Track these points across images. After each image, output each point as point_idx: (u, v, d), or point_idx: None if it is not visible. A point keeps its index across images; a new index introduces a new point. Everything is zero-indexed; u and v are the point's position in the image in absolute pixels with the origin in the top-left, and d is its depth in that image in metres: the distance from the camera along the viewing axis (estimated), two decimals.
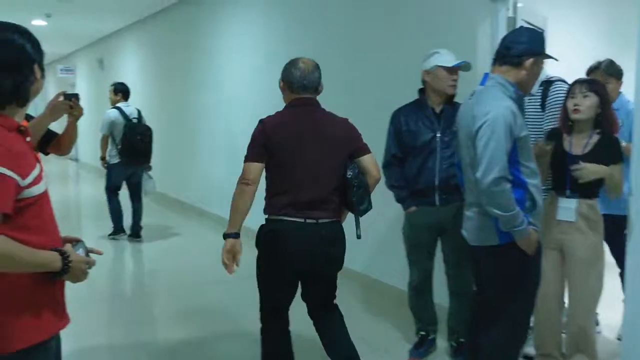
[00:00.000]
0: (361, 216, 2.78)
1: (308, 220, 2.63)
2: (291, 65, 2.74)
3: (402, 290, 3.94)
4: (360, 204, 2.71)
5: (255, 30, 6.47)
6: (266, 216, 2.71)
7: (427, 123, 3.25)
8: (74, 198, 10.97)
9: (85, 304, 4.29)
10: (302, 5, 5.56)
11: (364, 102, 4.70)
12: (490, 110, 2.41)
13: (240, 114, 6.79)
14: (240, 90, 6.80)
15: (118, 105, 6.50)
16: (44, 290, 1.70)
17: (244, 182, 2.63)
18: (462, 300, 3.32)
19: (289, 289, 2.78)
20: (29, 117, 3.43)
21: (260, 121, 2.72)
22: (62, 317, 1.80)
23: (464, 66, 3.20)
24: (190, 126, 8.38)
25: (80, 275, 1.75)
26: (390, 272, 4.51)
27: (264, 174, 2.69)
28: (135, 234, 6.60)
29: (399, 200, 3.37)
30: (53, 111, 2.58)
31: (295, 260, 2.66)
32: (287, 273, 2.71)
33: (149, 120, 6.76)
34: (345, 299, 4.36)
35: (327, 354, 2.85)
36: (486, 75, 2.65)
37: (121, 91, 6.63)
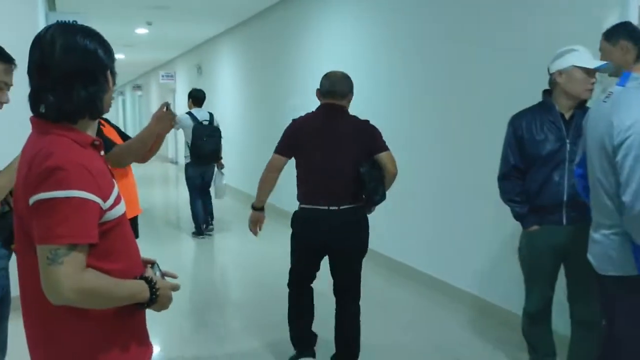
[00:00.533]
0: (376, 205, 3.25)
1: (331, 208, 3.12)
2: (324, 77, 3.29)
3: (514, 314, 3.58)
4: (375, 195, 3.14)
5: (350, 34, 6.24)
6: (299, 204, 3.28)
7: (554, 130, 2.85)
8: (175, 200, 11.25)
9: (166, 315, 4.23)
10: (403, 2, 5.27)
11: (473, 103, 4.35)
12: (637, 119, 2.02)
13: None
14: None
15: (190, 110, 7.08)
16: (129, 322, 1.55)
17: (269, 170, 3.32)
18: (588, 331, 2.89)
19: (313, 261, 3.33)
20: (122, 134, 3.41)
21: (293, 120, 3.30)
22: (147, 346, 1.66)
23: (606, 69, 2.74)
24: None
25: (166, 303, 1.60)
26: (501, 293, 4.12)
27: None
28: (206, 226, 7.30)
29: (517, 217, 2.98)
30: (159, 122, 2.57)
31: (320, 238, 3.19)
32: (312, 249, 3.26)
33: (243, 123, 6.80)
34: (452, 320, 4.14)
35: (334, 331, 3.35)
36: (627, 74, 2.25)
37: (192, 97, 7.20)
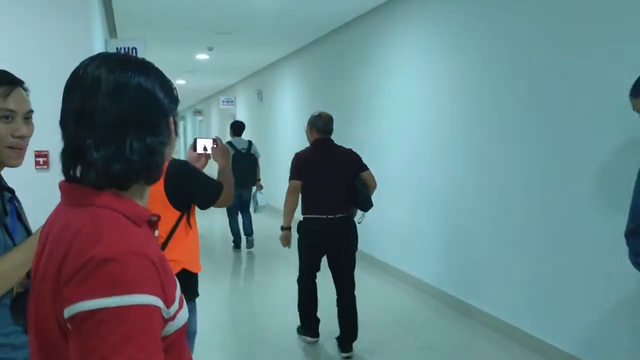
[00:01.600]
0: (366, 211, 4.30)
1: (329, 216, 4.11)
2: (316, 117, 4.29)
3: None
4: (367, 204, 4.19)
5: (418, 59, 5.77)
6: (303, 215, 4.24)
7: None
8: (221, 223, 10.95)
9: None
10: (485, 19, 4.76)
11: (576, 120, 3.77)
12: None
13: (396, 149, 6.11)
14: (404, 123, 6.12)
15: (230, 140, 7.92)
16: None
17: (289, 193, 4.22)
18: None
19: (316, 259, 4.29)
20: None
21: (295, 155, 4.29)
22: None
23: None
24: None
25: None
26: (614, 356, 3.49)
27: None
28: (247, 242, 8.22)
29: None
30: (222, 156, 2.65)
31: (320, 241, 4.18)
32: (316, 249, 4.23)
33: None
34: None
35: (337, 316, 4.26)
36: None
37: (232, 128, 8.11)
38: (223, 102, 15.96)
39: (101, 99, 1.00)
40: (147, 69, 1.06)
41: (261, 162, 8.09)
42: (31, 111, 1.61)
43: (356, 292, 4.29)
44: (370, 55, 7.01)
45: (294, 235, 4.33)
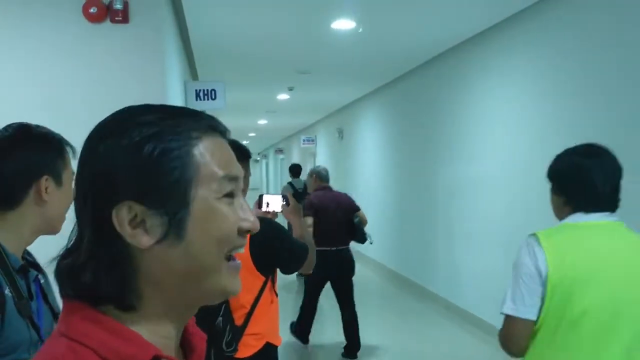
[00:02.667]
0: (362, 244, 5.29)
1: (332, 249, 5.07)
2: (320, 169, 5.48)
3: None
4: (363, 237, 5.17)
5: (515, 95, 5.32)
6: None
7: None
8: None
9: None
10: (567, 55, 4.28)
11: None
12: None
13: (491, 196, 5.61)
14: (501, 168, 5.63)
15: (290, 181, 9.05)
16: None
17: (309, 228, 4.69)
18: None
19: (321, 284, 5.33)
20: None
21: (308, 197, 5.23)
22: None
23: None
24: (434, 202, 7.38)
25: None
26: None
27: None
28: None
29: None
30: (295, 214, 2.49)
31: (326, 271, 5.05)
32: (321, 277, 5.18)
33: (384, 193, 6.43)
34: None
35: (343, 329, 5.23)
36: None
37: (291, 171, 9.20)
38: (304, 141, 15.95)
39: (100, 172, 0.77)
40: (155, 120, 0.77)
41: None
42: None
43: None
44: (456, 93, 6.61)
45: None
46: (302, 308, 5.50)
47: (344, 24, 5.54)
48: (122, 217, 0.69)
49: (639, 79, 3.76)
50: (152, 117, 0.73)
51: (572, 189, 1.86)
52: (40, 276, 1.40)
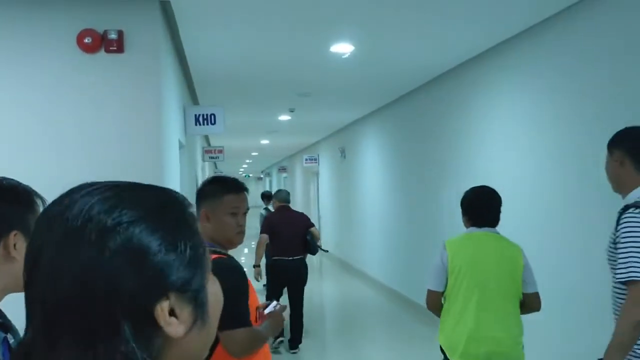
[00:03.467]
0: (314, 255, 6.48)
1: (288, 258, 6.22)
2: (279, 192, 6.79)
3: None
4: (315, 250, 6.33)
5: (514, 115, 5.26)
6: (272, 257, 6.39)
7: None
8: (317, 295, 10.58)
9: None
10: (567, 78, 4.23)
11: None
12: None
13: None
14: (496, 187, 5.55)
15: (265, 207, 9.81)
16: None
17: (259, 246, 6.38)
18: None
19: (279, 289, 6.32)
20: None
21: (265, 217, 6.78)
22: None
23: None
24: (436, 222, 7.30)
25: None
26: None
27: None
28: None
29: None
30: (274, 325, 2.18)
31: (283, 277, 6.28)
32: (279, 282, 6.31)
33: (385, 209, 6.19)
34: None
35: (290, 325, 6.29)
36: None
37: (262, 196, 10.09)
38: (306, 160, 15.95)
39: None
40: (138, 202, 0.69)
41: (342, 220, 8.86)
42: None
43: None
44: (457, 114, 6.57)
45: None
46: None
47: (342, 48, 5.52)
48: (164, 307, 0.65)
49: (637, 99, 3.71)
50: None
51: (472, 213, 3.14)
52: (9, 336, 1.33)
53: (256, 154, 20.75)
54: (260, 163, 28.55)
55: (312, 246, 6.31)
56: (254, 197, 18.92)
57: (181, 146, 5.65)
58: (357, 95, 8.44)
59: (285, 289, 6.41)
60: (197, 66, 6.11)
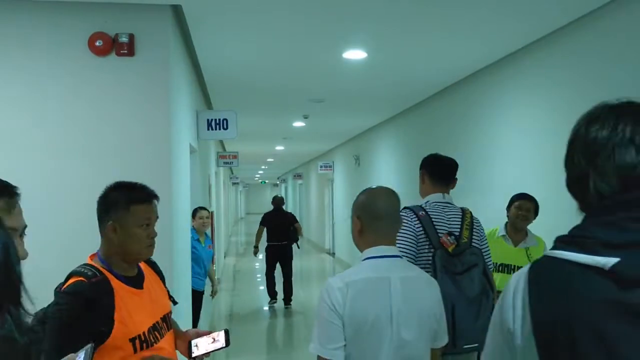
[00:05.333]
0: (296, 242, 10.04)
1: (279, 243, 9.74)
2: (275, 197, 10.53)
3: None
4: (296, 239, 9.94)
5: (530, 124, 5.20)
6: (267, 242, 9.86)
7: None
8: None
9: None
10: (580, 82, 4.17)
11: None
12: None
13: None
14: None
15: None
16: None
17: (259, 232, 10.20)
18: None
19: (274, 263, 9.85)
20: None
21: (263, 217, 10.11)
22: None
23: None
24: None
25: None
26: None
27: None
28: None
29: None
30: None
31: (275, 255, 9.84)
32: (273, 258, 9.86)
33: None
34: None
35: (282, 290, 9.82)
36: None
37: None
38: (321, 167, 15.94)
39: None
40: None
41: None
42: None
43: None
44: (471, 123, 6.51)
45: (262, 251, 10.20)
46: (266, 278, 9.90)
47: (355, 54, 5.50)
48: None
49: None
50: None
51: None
52: None
53: (271, 160, 20.79)
54: (276, 169, 28.59)
55: (293, 236, 9.80)
56: (267, 204, 18.61)
57: (193, 151, 5.66)
58: (370, 103, 8.41)
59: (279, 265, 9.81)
60: (211, 72, 6.12)
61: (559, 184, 4.06)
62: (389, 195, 2.13)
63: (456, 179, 3.42)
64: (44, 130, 3.61)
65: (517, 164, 5.45)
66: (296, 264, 10.56)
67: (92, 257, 2.03)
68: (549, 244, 3.95)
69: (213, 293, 6.60)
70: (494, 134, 5.96)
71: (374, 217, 2.06)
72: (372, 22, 4.58)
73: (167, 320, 2.15)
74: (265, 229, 9.82)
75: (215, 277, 6.70)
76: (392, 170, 10.01)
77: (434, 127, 7.80)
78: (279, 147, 15.42)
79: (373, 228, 2.05)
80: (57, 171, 3.60)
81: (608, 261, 0.96)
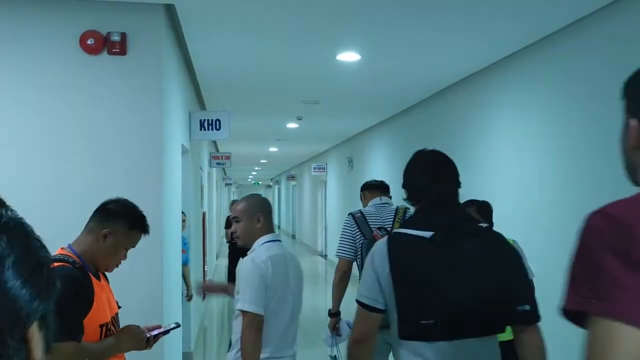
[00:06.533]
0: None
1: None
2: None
3: None
4: None
5: (524, 127, 5.22)
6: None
7: None
8: (322, 302, 10.54)
9: None
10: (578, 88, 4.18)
11: None
12: None
13: (499, 230, 5.45)
14: (504, 201, 5.51)
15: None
16: None
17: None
18: None
19: None
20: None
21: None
22: None
23: None
24: None
25: None
26: None
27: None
28: None
29: None
30: (124, 341, 2.20)
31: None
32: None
33: None
34: None
35: None
36: None
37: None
38: (314, 168, 15.94)
39: None
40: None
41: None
42: None
43: None
44: (465, 126, 6.53)
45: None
46: None
47: (349, 57, 5.50)
48: None
49: None
50: None
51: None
52: None
53: (265, 161, 20.77)
54: (269, 171, 28.57)
55: None
56: None
57: (185, 151, 5.64)
58: (364, 105, 8.42)
59: None
60: (204, 72, 6.11)
61: (555, 186, 3.99)
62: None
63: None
64: (31, 129, 3.59)
65: (512, 166, 5.46)
66: None
67: (62, 249, 2.11)
68: (526, 244, 3.88)
69: (188, 297, 6.17)
70: (487, 135, 5.97)
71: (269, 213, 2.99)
72: (365, 25, 4.58)
73: (116, 319, 2.27)
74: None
75: (191, 281, 6.26)
76: (386, 173, 10.00)
77: (427, 130, 7.82)
78: (273, 149, 15.41)
79: (269, 221, 2.97)
80: (44, 170, 3.57)
81: (428, 234, 1.93)
